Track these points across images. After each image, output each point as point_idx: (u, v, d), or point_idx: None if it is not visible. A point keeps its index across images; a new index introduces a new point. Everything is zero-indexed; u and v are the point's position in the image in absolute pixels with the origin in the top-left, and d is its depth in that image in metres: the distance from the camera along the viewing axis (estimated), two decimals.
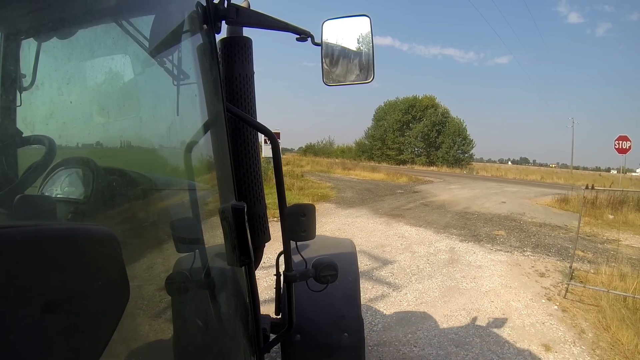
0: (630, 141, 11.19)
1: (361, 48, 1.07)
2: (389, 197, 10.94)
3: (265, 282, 3.32)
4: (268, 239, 1.03)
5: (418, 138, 39.14)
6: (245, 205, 0.72)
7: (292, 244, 0.90)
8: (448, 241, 5.87)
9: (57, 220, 0.55)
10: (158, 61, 0.72)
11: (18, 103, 0.62)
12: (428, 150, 39.03)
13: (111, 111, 0.61)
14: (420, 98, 39.05)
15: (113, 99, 0.62)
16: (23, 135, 0.61)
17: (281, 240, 0.87)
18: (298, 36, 1.00)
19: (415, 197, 11.07)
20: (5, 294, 0.28)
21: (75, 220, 0.57)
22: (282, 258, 0.98)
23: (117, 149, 0.62)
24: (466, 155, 38.52)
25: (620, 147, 11.41)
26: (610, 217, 8.13)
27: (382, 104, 42.23)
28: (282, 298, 1.32)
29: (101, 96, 0.61)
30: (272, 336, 1.23)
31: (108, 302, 0.37)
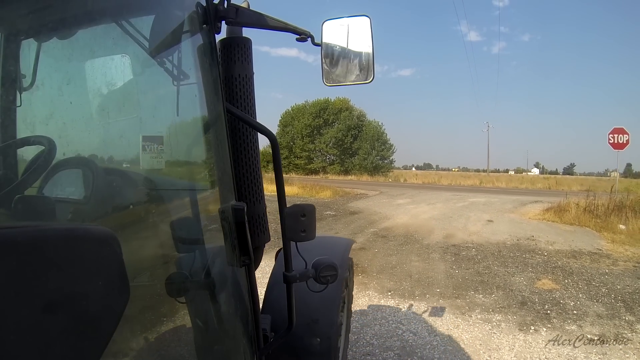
0: (628, 134, 8.76)
1: (361, 48, 1.07)
2: (318, 223, 5.24)
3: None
4: (268, 239, 1.03)
5: (330, 144, 34.56)
6: (245, 205, 0.72)
7: (292, 244, 0.90)
8: (496, 338, 2.75)
9: (57, 221, 0.55)
10: (158, 61, 0.72)
11: (18, 103, 0.62)
12: (342, 157, 34.48)
13: (111, 111, 0.61)
14: (332, 101, 34.46)
15: (113, 99, 0.62)
16: (23, 136, 0.61)
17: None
18: (298, 36, 1.00)
19: (359, 223, 7.61)
20: (5, 294, 0.28)
21: (75, 220, 0.57)
22: (280, 255, 0.98)
23: (117, 150, 0.62)
24: (386, 161, 34.44)
25: (615, 141, 8.82)
26: (622, 227, 6.86)
27: (290, 108, 37.50)
28: (268, 294, 1.31)
29: (101, 96, 0.61)
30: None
31: (108, 302, 0.37)
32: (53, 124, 0.53)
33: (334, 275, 0.92)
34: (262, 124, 0.89)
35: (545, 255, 5.19)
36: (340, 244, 1.76)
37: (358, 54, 1.08)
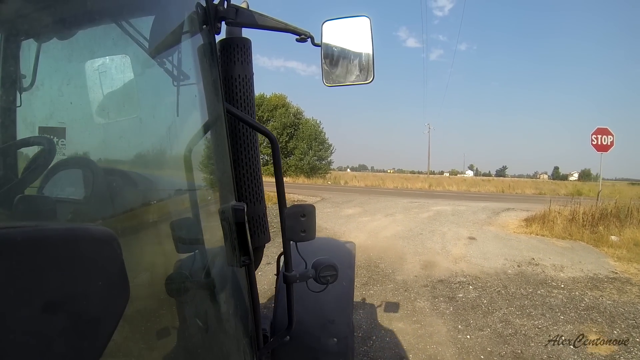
0: (613, 135, 7.92)
1: (361, 49, 1.08)
2: None
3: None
4: (268, 239, 1.03)
5: (265, 144, 32.53)
6: (245, 205, 0.72)
7: (292, 244, 0.91)
8: None
9: (57, 221, 0.55)
10: (158, 62, 0.72)
11: (18, 103, 0.62)
12: None
13: (111, 112, 0.61)
14: (268, 97, 32.02)
15: (113, 99, 0.62)
16: (23, 136, 0.61)
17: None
18: (298, 37, 1.00)
19: None
20: (5, 294, 0.28)
21: (75, 220, 0.57)
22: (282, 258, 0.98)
23: (117, 150, 0.62)
24: (324, 162, 32.17)
25: (599, 142, 7.92)
26: (614, 238, 6.33)
27: None
28: (278, 298, 1.32)
29: (101, 97, 0.61)
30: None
31: (108, 302, 0.37)
32: (53, 124, 0.53)
33: (333, 275, 0.92)
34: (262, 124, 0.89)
35: (563, 289, 4.16)
36: (345, 247, 1.77)
37: (358, 55, 1.08)
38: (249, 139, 0.95)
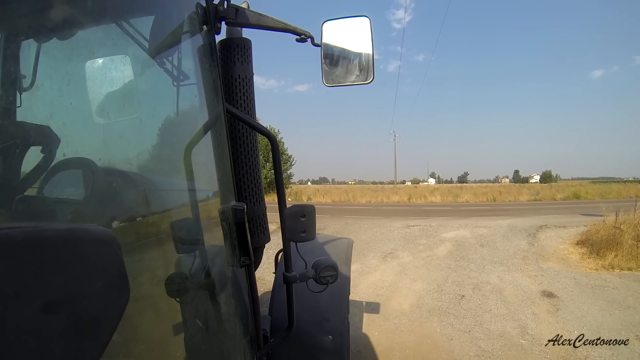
0: None
1: (361, 49, 1.08)
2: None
3: None
4: (268, 239, 1.03)
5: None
6: (245, 206, 0.72)
7: (292, 244, 0.90)
8: None
9: (57, 221, 0.55)
10: (158, 62, 0.72)
11: (18, 103, 0.62)
12: None
13: (111, 112, 0.61)
14: None
15: (113, 99, 0.62)
16: (23, 135, 0.61)
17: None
18: (298, 37, 1.00)
19: None
20: (5, 295, 0.28)
21: (75, 220, 0.57)
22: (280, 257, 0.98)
23: (117, 150, 0.62)
24: (284, 175, 29.63)
25: None
26: None
27: None
28: (274, 295, 1.32)
29: (101, 97, 0.61)
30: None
31: (108, 303, 0.36)
32: (53, 125, 0.53)
33: (333, 275, 0.92)
34: (262, 124, 0.89)
35: None
36: (340, 242, 1.77)
37: (358, 55, 1.08)
38: (249, 139, 0.95)
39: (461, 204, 19.31)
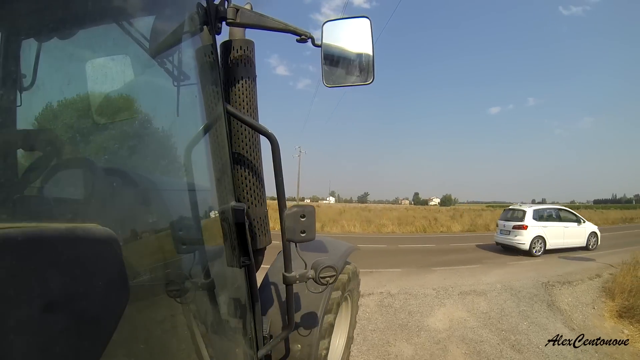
0: None
1: (361, 49, 1.08)
2: None
3: None
4: (269, 241, 1.03)
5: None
6: (245, 206, 0.72)
7: (292, 245, 0.90)
8: None
9: (57, 221, 0.55)
10: (158, 62, 0.72)
11: (18, 103, 0.62)
12: None
13: (111, 112, 0.61)
14: (112, 97, 30.20)
15: (113, 99, 0.62)
16: (23, 135, 0.61)
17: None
18: (299, 37, 1.00)
19: None
20: (5, 294, 0.28)
21: (75, 220, 0.57)
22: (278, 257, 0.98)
23: (117, 150, 0.62)
24: None
25: None
26: None
27: None
28: (263, 295, 1.30)
29: (101, 97, 0.61)
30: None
31: (108, 302, 0.36)
32: (53, 124, 0.53)
33: (333, 276, 0.92)
34: (264, 125, 0.89)
35: None
36: (340, 246, 1.75)
37: (358, 55, 1.08)
38: (251, 140, 0.95)
39: (388, 235, 14.16)
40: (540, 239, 8.33)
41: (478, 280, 5.77)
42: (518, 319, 4.09)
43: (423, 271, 6.54)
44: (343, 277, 1.62)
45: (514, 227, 8.52)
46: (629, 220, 24.22)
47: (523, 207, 8.93)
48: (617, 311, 4.20)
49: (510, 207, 9.76)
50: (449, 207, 57.61)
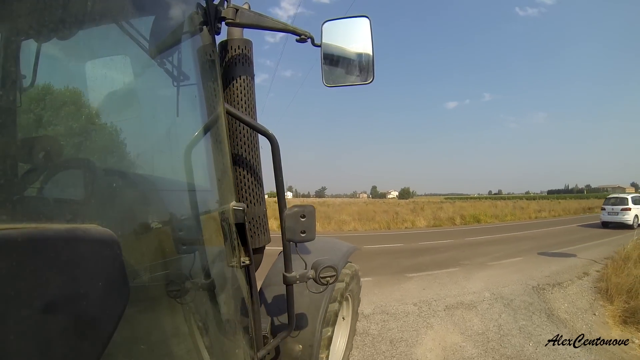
0: None
1: (361, 49, 1.07)
2: None
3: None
4: (268, 240, 1.03)
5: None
6: (245, 206, 0.72)
7: (292, 245, 0.90)
8: None
9: (57, 221, 0.55)
10: (158, 62, 0.72)
11: (18, 103, 0.62)
12: None
13: (111, 112, 0.61)
14: (57, 90, 29.84)
15: (113, 99, 0.62)
16: (23, 136, 0.61)
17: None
18: (298, 37, 1.00)
19: None
20: (5, 295, 0.28)
21: (75, 220, 0.57)
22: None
23: (117, 150, 0.62)
24: None
25: None
26: None
27: None
28: (263, 295, 1.30)
29: (101, 97, 0.61)
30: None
31: (108, 303, 0.36)
32: (53, 124, 0.53)
33: (333, 276, 0.92)
34: (263, 125, 0.89)
35: None
36: (341, 247, 1.75)
37: (358, 55, 1.08)
38: (250, 139, 0.95)
39: (350, 234, 13.03)
40: (637, 217, 12.07)
41: (462, 289, 4.98)
42: (521, 338, 3.36)
43: (397, 279, 5.51)
44: (344, 277, 1.61)
45: (622, 210, 12.31)
46: (589, 210, 25.01)
47: (623, 195, 13.06)
48: (619, 316, 3.83)
49: (611, 195, 13.75)
50: (408, 200, 58.61)
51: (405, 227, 15.27)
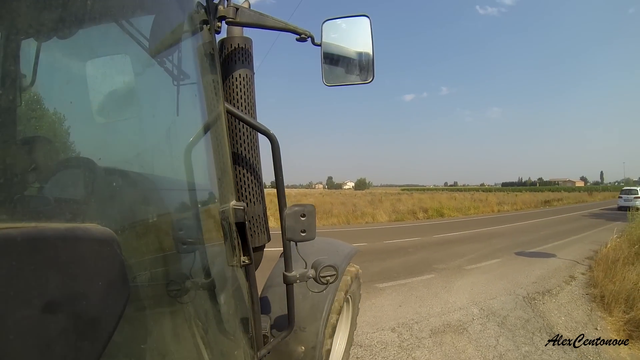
0: None
1: (361, 48, 1.07)
2: None
3: None
4: (268, 239, 1.03)
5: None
6: (245, 205, 0.72)
7: (292, 245, 0.90)
8: None
9: (57, 221, 0.55)
10: (158, 61, 0.72)
11: (18, 103, 0.62)
12: None
13: (111, 111, 0.61)
14: None
15: (113, 99, 0.62)
16: (23, 136, 0.61)
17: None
18: (298, 36, 1.00)
19: None
20: (5, 294, 0.28)
21: (75, 220, 0.57)
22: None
23: (117, 150, 0.62)
24: None
25: None
26: None
27: None
28: (265, 295, 1.30)
29: (101, 96, 0.61)
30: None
31: (108, 303, 0.36)
32: (53, 124, 0.53)
33: (334, 276, 0.92)
34: (263, 124, 0.89)
35: None
36: (343, 249, 1.75)
37: (358, 54, 1.08)
38: (249, 138, 0.95)
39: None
40: None
41: (445, 304, 4.23)
42: None
43: (366, 292, 4.49)
44: (346, 278, 1.61)
45: (634, 198, 18.51)
46: (547, 204, 25.79)
47: (634, 187, 19.77)
48: (623, 330, 3.39)
49: (625, 187, 20.88)
50: (364, 191, 59.09)
51: (366, 222, 14.32)
